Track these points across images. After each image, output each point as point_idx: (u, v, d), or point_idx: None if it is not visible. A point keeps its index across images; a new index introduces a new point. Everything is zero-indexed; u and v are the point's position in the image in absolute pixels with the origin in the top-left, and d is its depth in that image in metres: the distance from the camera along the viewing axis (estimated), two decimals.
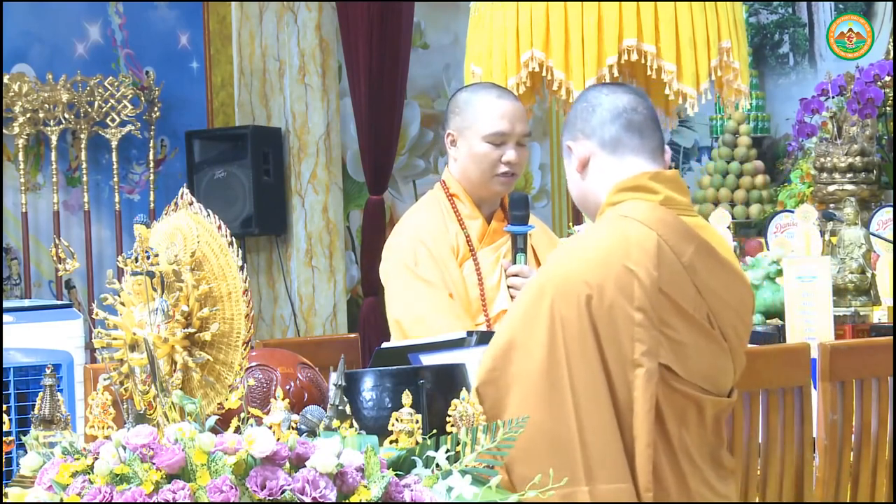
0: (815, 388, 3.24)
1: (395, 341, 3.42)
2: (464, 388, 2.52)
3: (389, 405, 2.58)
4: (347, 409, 2.40)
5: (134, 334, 2.34)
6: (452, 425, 2.41)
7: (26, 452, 2.32)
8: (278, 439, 2.17)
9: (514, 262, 3.46)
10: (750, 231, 7.56)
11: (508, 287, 3.47)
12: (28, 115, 6.46)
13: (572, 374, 2.49)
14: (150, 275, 2.34)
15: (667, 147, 2.79)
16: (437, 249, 3.50)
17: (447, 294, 3.45)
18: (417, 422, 2.39)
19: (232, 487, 2.09)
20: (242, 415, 2.27)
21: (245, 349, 2.37)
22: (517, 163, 3.52)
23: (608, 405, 2.50)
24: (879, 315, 4.37)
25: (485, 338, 3.06)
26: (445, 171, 3.65)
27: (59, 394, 2.44)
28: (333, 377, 2.41)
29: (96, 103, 6.65)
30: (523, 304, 2.58)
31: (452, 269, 3.50)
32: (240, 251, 2.40)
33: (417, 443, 2.37)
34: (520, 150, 3.53)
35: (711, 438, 2.63)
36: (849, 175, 5.44)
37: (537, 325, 2.52)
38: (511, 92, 3.68)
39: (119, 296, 2.36)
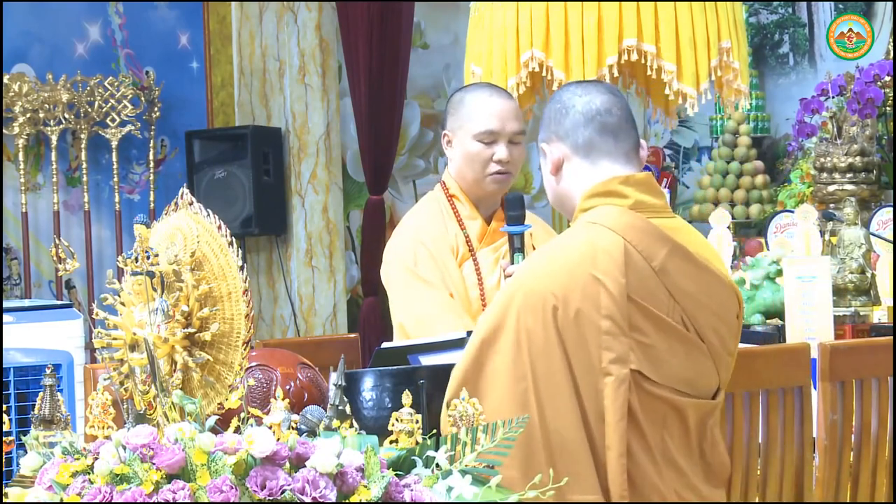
0: (815, 388, 3.24)
1: (394, 341, 3.42)
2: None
3: (389, 405, 2.58)
4: (347, 409, 2.40)
5: (134, 334, 2.34)
6: (452, 425, 2.41)
7: (26, 452, 2.32)
8: (278, 439, 2.18)
9: (511, 262, 3.46)
10: (750, 231, 7.56)
11: None
12: (28, 115, 6.46)
13: (538, 387, 2.47)
14: (150, 275, 2.34)
15: (642, 142, 2.76)
16: (437, 250, 3.50)
17: (447, 294, 3.45)
18: (417, 422, 2.39)
19: (232, 487, 2.09)
20: (242, 415, 2.27)
21: (245, 349, 2.37)
22: (509, 161, 3.52)
23: (576, 417, 2.48)
24: (879, 315, 4.37)
25: None
26: (445, 171, 3.65)
27: (59, 394, 2.44)
28: (333, 377, 2.41)
29: (96, 103, 6.65)
30: (490, 316, 2.56)
31: (452, 269, 3.50)
32: (240, 251, 2.40)
33: (417, 443, 2.37)
34: (512, 149, 3.53)
35: (698, 442, 2.62)
36: (849, 175, 5.45)
37: (503, 338, 2.51)
38: (505, 91, 3.68)
39: (119, 296, 2.36)
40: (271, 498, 2.10)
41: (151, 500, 2.09)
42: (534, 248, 3.57)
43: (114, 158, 6.74)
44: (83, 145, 6.64)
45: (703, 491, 2.59)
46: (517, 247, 3.45)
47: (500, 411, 2.46)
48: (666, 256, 2.57)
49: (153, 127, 6.89)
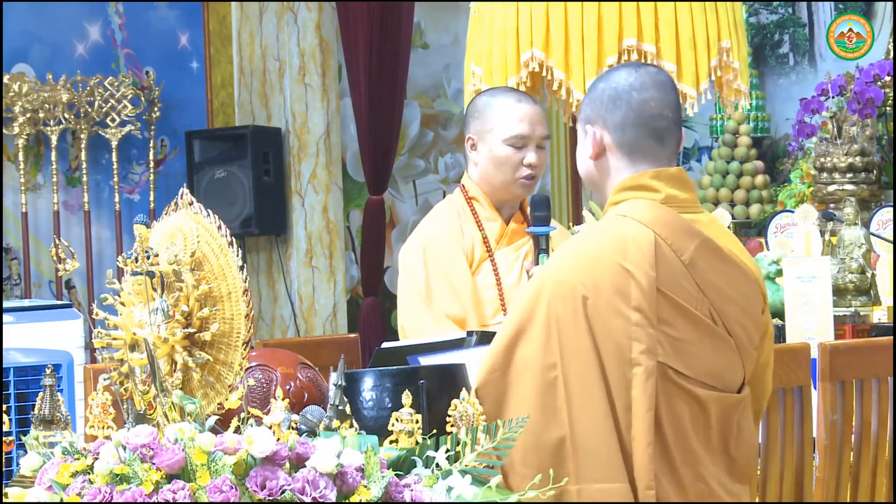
0: (815, 388, 3.24)
1: (394, 341, 3.42)
2: (464, 388, 2.53)
3: (389, 405, 2.58)
4: (347, 409, 2.40)
5: (134, 334, 2.34)
6: (452, 425, 2.41)
7: (26, 452, 2.32)
8: (278, 439, 2.18)
9: (536, 262, 3.47)
10: (750, 231, 7.56)
11: None
12: (28, 115, 6.46)
13: (567, 375, 2.49)
14: (150, 275, 2.34)
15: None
16: (447, 253, 3.51)
17: (452, 300, 3.46)
18: (417, 422, 2.39)
19: (232, 487, 2.09)
20: (242, 415, 2.27)
21: (245, 349, 2.37)
22: (538, 165, 3.55)
23: (603, 405, 2.50)
24: (879, 315, 4.37)
25: (485, 338, 3.06)
26: (465, 175, 3.66)
27: (59, 394, 2.44)
28: (333, 377, 2.42)
29: (96, 103, 6.65)
30: (521, 306, 2.58)
31: (463, 272, 3.50)
32: (240, 251, 2.40)
33: (417, 443, 2.37)
34: (540, 153, 3.55)
35: (723, 436, 2.63)
36: (849, 175, 5.44)
37: (534, 327, 2.52)
38: (529, 95, 3.68)
39: (119, 296, 2.36)
40: (271, 498, 2.10)
41: (151, 500, 2.09)
42: (552, 251, 3.57)
43: (114, 158, 6.74)
44: (83, 145, 6.64)
45: (728, 485, 2.60)
46: (542, 248, 3.45)
47: (530, 400, 2.48)
48: (695, 250, 2.59)
49: (153, 127, 6.89)
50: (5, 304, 3.64)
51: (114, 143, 6.72)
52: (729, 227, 4.39)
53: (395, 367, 2.75)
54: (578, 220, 5.46)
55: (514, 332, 2.55)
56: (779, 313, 4.17)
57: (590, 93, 2.74)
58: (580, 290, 2.52)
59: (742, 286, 2.67)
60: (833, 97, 5.52)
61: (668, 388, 2.53)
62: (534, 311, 2.54)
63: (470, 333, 3.10)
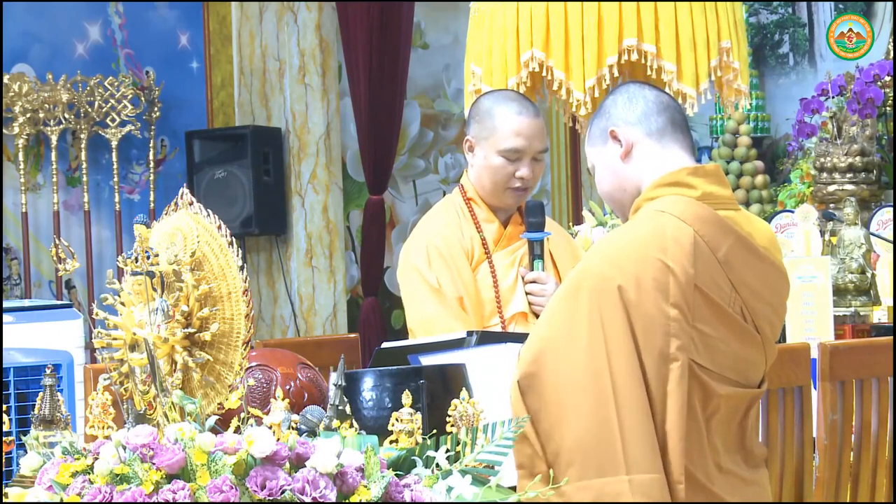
0: (815, 388, 3.25)
1: (394, 341, 3.42)
2: (464, 388, 2.53)
3: (389, 405, 2.58)
4: (347, 409, 2.40)
5: (134, 334, 2.34)
6: (452, 425, 2.41)
7: (26, 452, 2.32)
8: (278, 439, 2.18)
9: (531, 268, 3.47)
10: None
11: (527, 293, 3.48)
12: (28, 115, 6.46)
13: (612, 367, 2.51)
14: (150, 275, 2.34)
15: None
16: (449, 252, 3.51)
17: (455, 297, 3.46)
18: (417, 422, 2.39)
19: (232, 487, 2.09)
20: (242, 415, 2.27)
21: (245, 349, 2.37)
22: (530, 178, 3.53)
23: (644, 397, 2.52)
24: (879, 315, 4.38)
25: (485, 338, 3.06)
26: (464, 175, 3.65)
27: (59, 394, 2.44)
28: (333, 377, 2.42)
29: (96, 103, 6.65)
30: (561, 300, 2.59)
31: (464, 271, 3.50)
32: (240, 251, 2.40)
33: (417, 443, 2.37)
34: (535, 166, 3.53)
35: (740, 429, 2.65)
36: (849, 175, 5.44)
37: (576, 320, 2.54)
38: (533, 105, 3.60)
39: (119, 296, 2.36)
40: (271, 498, 2.10)
41: (151, 500, 2.09)
42: (552, 255, 3.57)
43: (114, 158, 6.74)
44: (83, 145, 6.64)
45: (745, 476, 2.62)
46: (537, 253, 3.46)
47: (576, 392, 2.50)
48: (730, 248, 2.61)
49: (153, 127, 6.89)
50: (5, 304, 3.64)
51: (114, 143, 6.72)
52: None
53: (395, 367, 2.75)
54: (578, 220, 5.46)
55: (554, 327, 2.57)
56: None
57: (597, 114, 2.80)
58: (620, 285, 2.53)
59: (774, 283, 2.69)
60: (833, 97, 5.52)
61: (691, 382, 2.54)
62: (575, 305, 2.55)
63: (470, 333, 3.10)
